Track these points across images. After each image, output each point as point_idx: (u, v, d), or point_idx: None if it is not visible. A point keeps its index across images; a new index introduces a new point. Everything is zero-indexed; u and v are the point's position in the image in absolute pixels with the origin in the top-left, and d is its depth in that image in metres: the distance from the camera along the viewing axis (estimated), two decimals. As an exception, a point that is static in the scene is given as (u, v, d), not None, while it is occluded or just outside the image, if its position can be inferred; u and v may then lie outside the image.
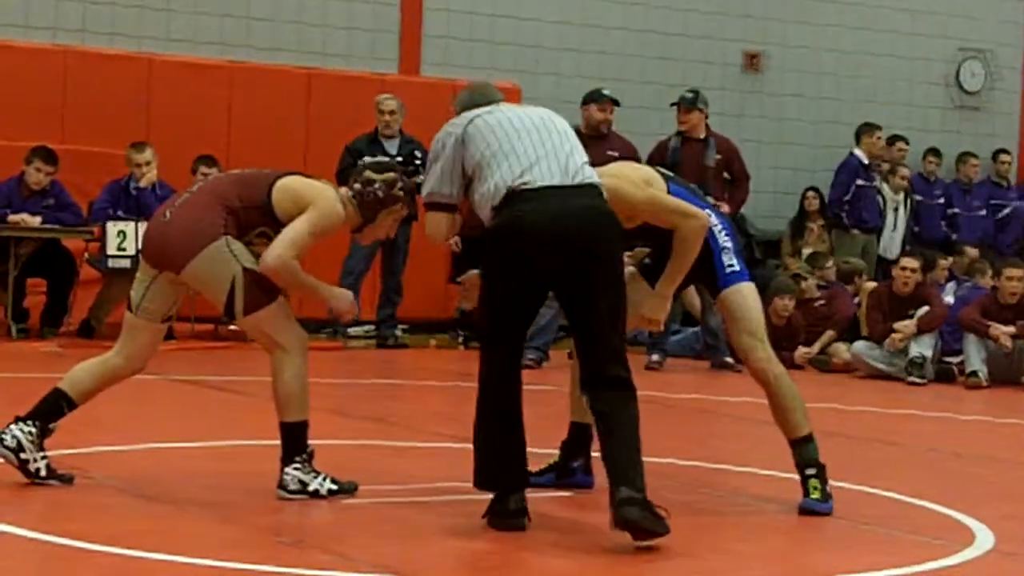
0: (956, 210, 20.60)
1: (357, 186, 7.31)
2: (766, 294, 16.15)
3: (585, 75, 16.91)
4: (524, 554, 6.62)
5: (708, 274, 7.81)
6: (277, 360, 7.22)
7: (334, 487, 7.27)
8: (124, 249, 14.69)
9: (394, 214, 7.43)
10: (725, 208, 13.49)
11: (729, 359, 14.84)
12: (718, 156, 15.30)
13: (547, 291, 6.92)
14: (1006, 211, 21.04)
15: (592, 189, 6.85)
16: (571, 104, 14.69)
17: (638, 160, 15.39)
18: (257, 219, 7.18)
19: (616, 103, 15.14)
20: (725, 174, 15.39)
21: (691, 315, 16.34)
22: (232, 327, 13.80)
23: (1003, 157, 21.44)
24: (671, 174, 7.98)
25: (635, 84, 17.92)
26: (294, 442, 7.24)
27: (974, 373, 15.16)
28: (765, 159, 19.54)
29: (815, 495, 7.58)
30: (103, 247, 14.78)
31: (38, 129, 15.55)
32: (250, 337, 7.65)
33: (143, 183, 15.36)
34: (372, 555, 6.35)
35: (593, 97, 15.21)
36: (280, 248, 7.07)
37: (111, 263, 14.81)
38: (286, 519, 7.08)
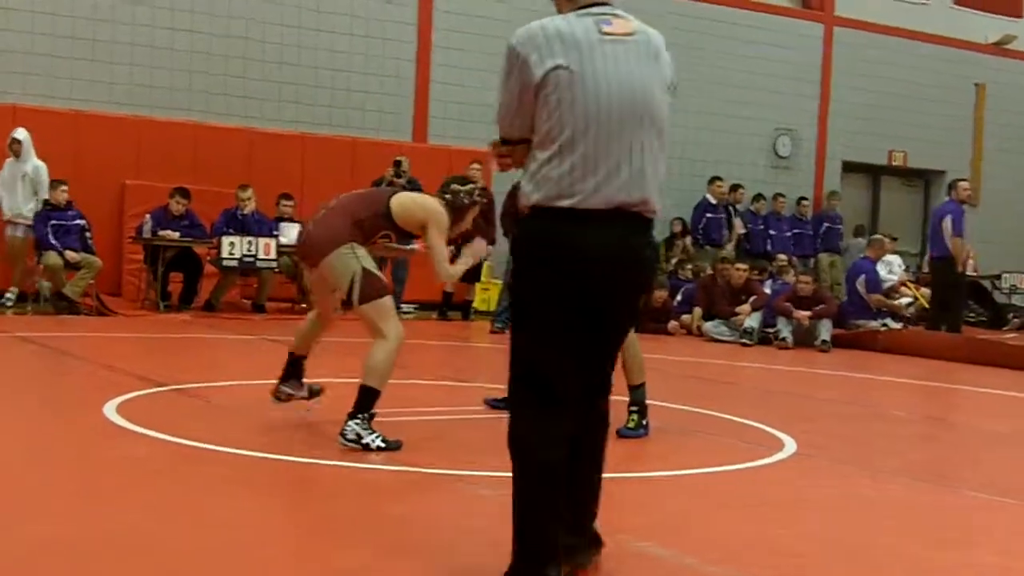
0: (772, 232, 20.79)
1: (448, 196, 6.91)
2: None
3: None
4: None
5: None
6: (377, 342, 6.57)
7: (383, 444, 6.41)
8: (233, 255, 14.78)
9: (474, 212, 7.01)
10: None
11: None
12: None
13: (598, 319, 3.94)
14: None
15: (640, 220, 3.90)
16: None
17: None
18: (380, 225, 6.73)
19: None
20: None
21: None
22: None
23: (804, 203, 21.65)
24: None
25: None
26: (364, 402, 6.47)
27: (783, 339, 15.35)
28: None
29: (631, 424, 7.30)
30: (219, 253, 14.86)
31: (178, 175, 15.64)
32: (362, 322, 6.71)
33: (246, 211, 15.45)
34: (400, 458, 6.34)
35: None
36: (444, 265, 6.74)
37: (224, 264, 14.91)
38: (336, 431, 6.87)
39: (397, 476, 5.90)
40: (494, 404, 8.00)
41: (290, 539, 4.66)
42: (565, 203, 3.79)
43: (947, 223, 16.01)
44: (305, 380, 7.28)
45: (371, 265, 6.68)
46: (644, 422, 7.34)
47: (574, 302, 3.83)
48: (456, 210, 6.93)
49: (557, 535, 3.84)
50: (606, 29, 3.84)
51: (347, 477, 5.91)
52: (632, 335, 7.25)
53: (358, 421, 6.46)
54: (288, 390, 7.20)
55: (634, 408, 7.37)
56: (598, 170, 3.79)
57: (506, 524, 3.87)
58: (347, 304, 6.73)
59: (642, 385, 7.39)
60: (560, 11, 3.94)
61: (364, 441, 6.41)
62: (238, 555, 4.32)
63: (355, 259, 6.62)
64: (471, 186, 7.07)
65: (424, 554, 4.45)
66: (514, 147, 3.98)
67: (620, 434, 7.18)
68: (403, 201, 6.82)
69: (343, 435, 6.45)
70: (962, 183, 16.77)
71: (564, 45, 3.78)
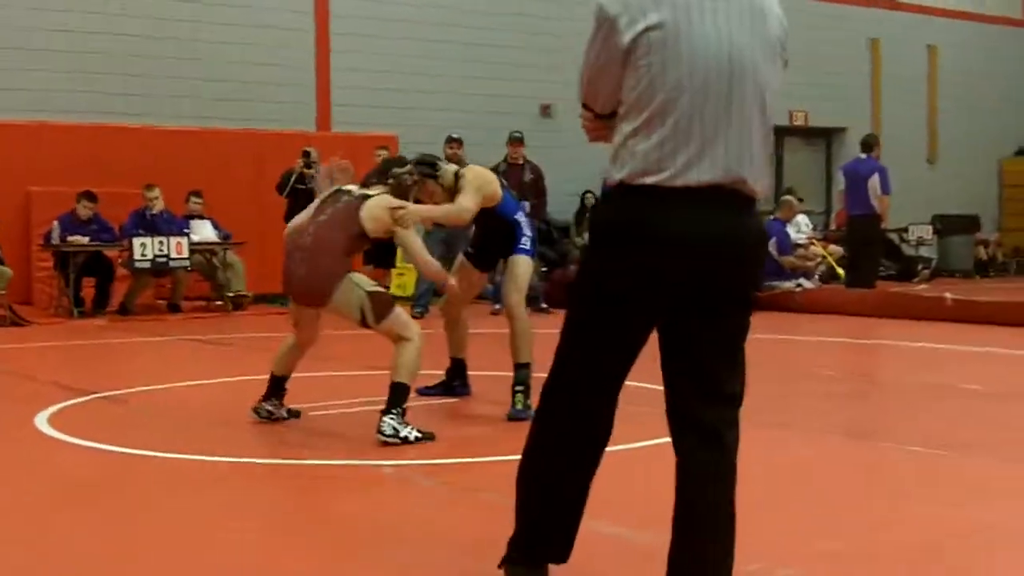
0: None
1: (392, 181, 6.91)
2: (566, 260, 16.43)
3: (446, 126, 16.73)
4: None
5: (510, 245, 7.66)
6: (402, 345, 6.54)
7: (419, 435, 6.42)
8: (145, 256, 14.56)
9: (415, 189, 7.08)
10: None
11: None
12: (532, 176, 15.45)
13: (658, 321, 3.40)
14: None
15: (737, 198, 3.29)
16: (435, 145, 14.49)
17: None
18: (360, 245, 6.83)
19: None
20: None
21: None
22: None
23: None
24: (504, 183, 8.02)
25: (477, 129, 17.76)
26: (396, 398, 6.45)
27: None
28: (558, 174, 19.55)
29: (519, 405, 7.11)
30: (130, 255, 14.61)
31: (83, 179, 15.33)
32: (386, 337, 6.66)
33: (155, 211, 15.21)
34: (331, 452, 6.34)
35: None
36: (424, 256, 6.84)
37: (136, 265, 14.65)
38: (273, 429, 6.94)
39: (336, 471, 5.87)
40: (424, 391, 7.97)
41: (238, 544, 4.59)
42: (650, 180, 3.22)
43: (874, 181, 16.06)
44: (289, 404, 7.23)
45: (368, 284, 6.66)
46: (529, 402, 7.01)
47: (650, 292, 3.28)
48: (402, 192, 6.95)
49: (560, 524, 3.62)
50: None
51: (287, 475, 5.87)
52: (522, 311, 7.30)
53: (392, 416, 6.41)
54: (269, 408, 7.12)
55: (519, 388, 7.19)
56: (690, 143, 3.22)
57: (448, 512, 3.85)
58: (364, 327, 6.66)
59: (528, 365, 7.21)
60: None
61: (402, 435, 6.37)
62: (187, 563, 4.24)
63: (356, 287, 6.58)
64: (409, 167, 7.11)
65: (374, 550, 4.41)
66: (598, 119, 3.43)
67: (510, 417, 7.11)
68: (370, 215, 6.74)
69: (381, 432, 6.38)
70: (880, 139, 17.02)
71: (656, 1, 3.22)
